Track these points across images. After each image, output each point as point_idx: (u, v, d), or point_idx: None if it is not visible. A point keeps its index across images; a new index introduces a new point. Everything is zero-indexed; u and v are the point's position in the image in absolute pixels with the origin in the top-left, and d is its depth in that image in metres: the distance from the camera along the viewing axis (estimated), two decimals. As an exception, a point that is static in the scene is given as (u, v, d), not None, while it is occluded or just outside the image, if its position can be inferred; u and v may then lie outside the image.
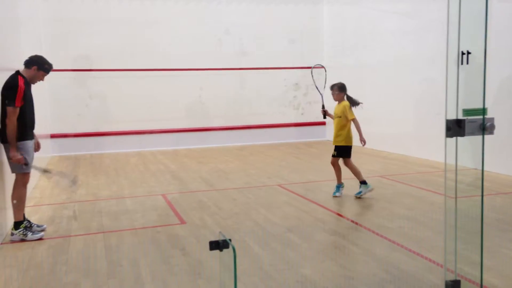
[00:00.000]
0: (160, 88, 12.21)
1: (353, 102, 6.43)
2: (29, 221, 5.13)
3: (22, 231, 4.94)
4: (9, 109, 4.71)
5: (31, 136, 5.08)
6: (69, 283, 3.83)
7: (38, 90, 9.24)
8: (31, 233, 4.97)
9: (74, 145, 11.61)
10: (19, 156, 4.82)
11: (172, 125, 12.34)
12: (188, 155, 11.15)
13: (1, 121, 4.83)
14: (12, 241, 4.90)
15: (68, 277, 3.96)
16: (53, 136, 11.32)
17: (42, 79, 5.16)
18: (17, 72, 4.95)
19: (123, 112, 11.91)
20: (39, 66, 5.03)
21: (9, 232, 5.06)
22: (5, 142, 4.85)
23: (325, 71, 7.13)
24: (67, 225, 5.49)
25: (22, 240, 4.92)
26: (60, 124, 11.49)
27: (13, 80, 4.83)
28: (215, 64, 12.60)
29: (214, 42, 12.60)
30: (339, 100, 6.48)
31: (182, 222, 5.53)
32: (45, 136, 10.41)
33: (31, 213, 5.99)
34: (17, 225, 4.96)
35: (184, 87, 12.41)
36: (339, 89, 6.43)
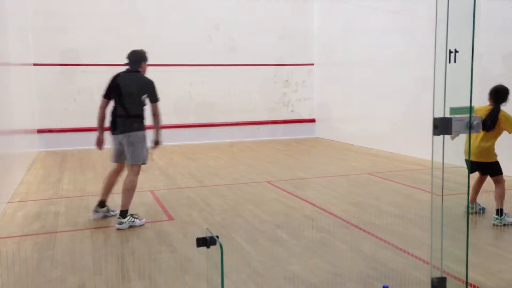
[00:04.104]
0: (149, 84, 12.12)
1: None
2: (107, 206, 5.45)
3: (129, 219, 5.09)
4: None
5: (115, 130, 5.29)
6: (55, 279, 3.80)
7: (25, 84, 9.15)
8: (138, 220, 5.15)
9: (61, 140, 11.50)
10: (100, 139, 5.36)
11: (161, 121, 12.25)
12: (177, 151, 11.11)
13: None
14: (119, 229, 5.02)
15: (54, 273, 3.93)
16: (40, 131, 11.20)
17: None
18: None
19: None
20: (145, 59, 5.48)
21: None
22: (126, 131, 5.24)
23: None
24: (54, 221, 5.44)
25: (130, 227, 5.08)
26: (47, 119, 11.36)
27: None
28: (204, 60, 12.54)
29: (203, 38, 12.54)
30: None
31: (170, 218, 5.51)
32: (31, 131, 10.31)
33: (17, 209, 5.93)
34: (123, 213, 5.08)
35: (173, 83, 12.31)
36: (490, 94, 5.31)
